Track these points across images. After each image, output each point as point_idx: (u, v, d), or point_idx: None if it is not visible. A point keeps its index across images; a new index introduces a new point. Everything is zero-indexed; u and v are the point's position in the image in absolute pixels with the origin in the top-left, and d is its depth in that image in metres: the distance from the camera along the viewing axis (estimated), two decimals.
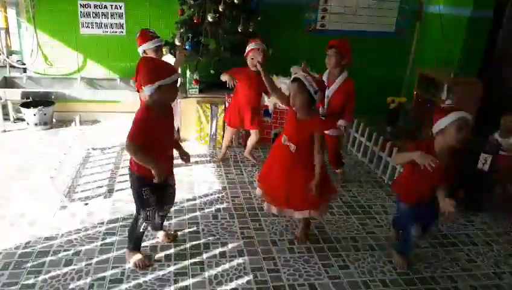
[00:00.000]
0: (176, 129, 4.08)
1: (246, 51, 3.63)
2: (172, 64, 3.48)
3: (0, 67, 4.66)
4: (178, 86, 2.34)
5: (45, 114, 4.49)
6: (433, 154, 2.29)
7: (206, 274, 2.49)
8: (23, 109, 4.47)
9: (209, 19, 4.07)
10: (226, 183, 3.61)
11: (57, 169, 3.28)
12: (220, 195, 3.40)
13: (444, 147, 2.35)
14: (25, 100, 4.47)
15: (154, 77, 2.16)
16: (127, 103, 4.49)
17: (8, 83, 4.61)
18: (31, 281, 2.33)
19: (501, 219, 3.35)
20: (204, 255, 2.66)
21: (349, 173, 3.94)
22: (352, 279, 2.54)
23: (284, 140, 2.61)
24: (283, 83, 4.19)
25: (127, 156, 3.96)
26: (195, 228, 2.94)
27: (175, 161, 2.53)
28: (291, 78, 2.57)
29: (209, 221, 3.03)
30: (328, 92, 3.39)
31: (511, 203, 3.47)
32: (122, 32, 4.71)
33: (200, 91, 4.44)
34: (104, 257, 2.57)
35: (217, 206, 3.24)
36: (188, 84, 4.42)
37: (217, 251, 2.70)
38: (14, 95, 4.42)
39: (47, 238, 2.71)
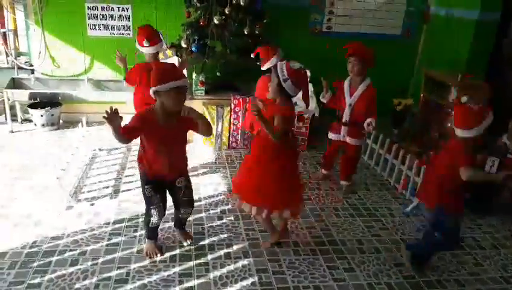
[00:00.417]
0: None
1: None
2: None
3: (9, 68, 4.71)
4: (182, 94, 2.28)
5: (52, 115, 4.53)
6: None
7: (211, 275, 2.49)
8: (30, 110, 4.51)
9: (215, 21, 4.08)
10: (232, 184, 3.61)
11: (64, 169, 3.30)
12: (225, 196, 3.41)
13: None
14: (32, 101, 4.51)
15: (153, 82, 2.21)
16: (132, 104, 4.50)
17: (16, 84, 4.64)
18: (37, 281, 2.35)
19: (508, 222, 3.31)
20: (209, 256, 2.66)
21: (355, 186, 3.77)
22: (357, 282, 2.53)
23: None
24: None
25: (133, 157, 4.00)
26: (200, 229, 2.94)
27: None
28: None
29: (214, 222, 3.03)
30: (351, 100, 3.35)
31: None
32: (129, 34, 4.73)
33: (206, 93, 4.45)
34: (110, 257, 2.58)
35: (222, 207, 3.24)
36: (194, 86, 4.43)
37: (221, 252, 2.70)
38: (21, 96, 4.46)
39: (53, 238, 2.72)
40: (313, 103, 4.31)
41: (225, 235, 2.89)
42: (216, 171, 3.87)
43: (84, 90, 4.72)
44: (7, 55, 4.68)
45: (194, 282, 2.42)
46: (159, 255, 2.62)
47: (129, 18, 4.69)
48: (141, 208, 2.97)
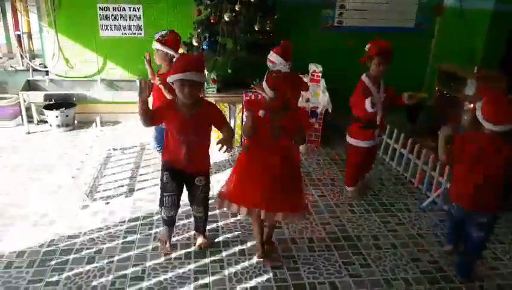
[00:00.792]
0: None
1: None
2: None
3: (24, 70, 4.78)
4: (196, 86, 2.28)
5: (67, 116, 4.59)
6: None
7: (226, 272, 2.49)
8: (46, 111, 4.57)
9: (226, 18, 4.08)
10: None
11: (79, 169, 3.34)
12: None
13: None
14: (47, 102, 4.57)
15: (171, 72, 2.28)
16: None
17: (31, 86, 4.72)
18: (55, 279, 2.38)
19: None
20: (224, 253, 2.66)
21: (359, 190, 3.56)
22: (373, 277, 2.50)
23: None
24: None
25: (147, 155, 4.03)
26: (214, 226, 2.94)
27: None
28: None
29: (228, 219, 3.03)
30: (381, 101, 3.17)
31: None
32: (140, 33, 4.76)
33: (218, 90, 4.45)
34: (125, 255, 2.60)
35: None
36: (205, 84, 4.44)
37: (236, 249, 2.70)
38: (37, 97, 4.53)
39: (70, 237, 2.76)
40: (325, 98, 4.28)
41: (239, 232, 2.89)
42: (229, 168, 3.87)
43: (98, 91, 4.77)
44: (22, 58, 4.75)
45: (209, 279, 2.43)
46: (167, 244, 2.65)
47: (140, 18, 4.71)
48: (156, 206, 3.00)
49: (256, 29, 4.17)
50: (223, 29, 4.19)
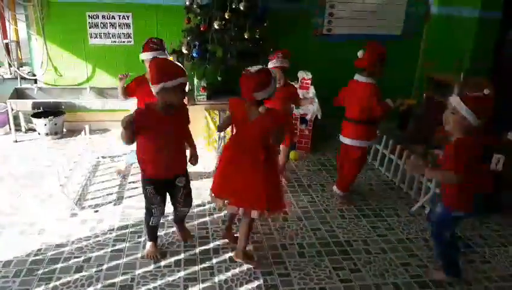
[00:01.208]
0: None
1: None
2: None
3: (12, 79, 4.74)
4: (185, 90, 2.38)
5: (56, 124, 4.55)
6: None
7: (216, 279, 2.47)
8: (34, 119, 4.53)
9: (216, 26, 4.10)
10: None
11: (67, 177, 3.31)
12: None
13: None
14: (35, 111, 4.53)
15: (159, 78, 2.24)
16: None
17: (19, 94, 4.67)
18: (42, 288, 2.34)
19: None
20: (214, 260, 2.64)
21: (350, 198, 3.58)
22: (364, 282, 2.50)
23: None
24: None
25: (136, 164, 3.99)
26: (204, 233, 2.93)
27: None
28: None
29: (219, 226, 3.02)
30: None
31: None
32: (130, 41, 4.76)
33: (208, 98, 4.45)
34: (114, 263, 2.58)
35: (226, 211, 3.23)
36: (196, 92, 4.44)
37: (226, 256, 2.69)
38: (25, 105, 4.48)
39: (58, 246, 2.72)
40: (315, 105, 4.30)
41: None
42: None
43: (87, 99, 4.74)
44: (10, 66, 4.71)
45: (199, 286, 2.41)
46: (159, 257, 2.63)
47: (130, 26, 4.71)
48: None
49: (246, 37, 4.19)
50: (212, 37, 4.21)
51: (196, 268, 2.56)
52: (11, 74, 4.74)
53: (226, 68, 4.36)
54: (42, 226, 2.94)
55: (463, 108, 2.15)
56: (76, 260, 2.59)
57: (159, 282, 2.43)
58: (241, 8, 4.08)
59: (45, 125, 4.49)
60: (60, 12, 4.55)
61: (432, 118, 4.49)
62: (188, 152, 2.66)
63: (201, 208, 3.24)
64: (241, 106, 2.44)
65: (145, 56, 3.24)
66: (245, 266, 2.58)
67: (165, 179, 2.50)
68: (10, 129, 4.51)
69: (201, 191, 3.44)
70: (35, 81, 4.79)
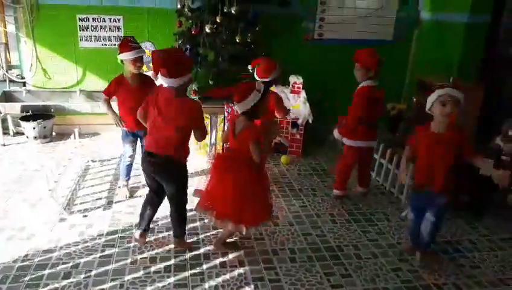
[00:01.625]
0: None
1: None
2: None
3: (0, 81, 4.68)
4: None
5: (45, 127, 4.50)
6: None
7: (207, 285, 2.45)
8: (22, 123, 4.48)
9: (207, 30, 4.09)
10: None
11: (56, 181, 3.27)
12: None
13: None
14: (24, 114, 4.48)
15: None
16: None
17: (8, 97, 4.61)
18: None
19: (505, 225, 3.30)
20: (205, 266, 2.62)
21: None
22: (354, 287, 2.50)
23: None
24: (282, 92, 4.20)
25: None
26: (195, 239, 2.91)
27: None
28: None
29: (209, 231, 3.00)
30: None
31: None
32: None
33: None
34: (103, 269, 2.54)
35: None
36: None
37: (217, 261, 2.67)
38: (13, 109, 4.42)
39: (45, 251, 2.68)
40: (306, 109, 4.31)
41: None
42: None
43: (77, 102, 4.69)
44: None
45: None
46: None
47: (121, 29, 4.68)
48: (135, 218, 2.96)
49: (238, 41, 4.19)
50: (204, 41, 4.19)
51: (186, 274, 2.54)
52: None
53: (218, 72, 4.35)
54: (30, 231, 2.90)
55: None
56: (64, 266, 2.56)
57: (148, 288, 2.40)
58: (233, 12, 4.08)
59: (34, 128, 4.43)
60: (49, 14, 4.51)
61: (422, 122, 4.53)
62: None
63: (192, 213, 3.21)
64: (234, 120, 2.62)
65: (127, 56, 3.16)
66: (236, 272, 2.57)
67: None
68: None
69: (191, 197, 3.42)
70: (24, 84, 4.73)
